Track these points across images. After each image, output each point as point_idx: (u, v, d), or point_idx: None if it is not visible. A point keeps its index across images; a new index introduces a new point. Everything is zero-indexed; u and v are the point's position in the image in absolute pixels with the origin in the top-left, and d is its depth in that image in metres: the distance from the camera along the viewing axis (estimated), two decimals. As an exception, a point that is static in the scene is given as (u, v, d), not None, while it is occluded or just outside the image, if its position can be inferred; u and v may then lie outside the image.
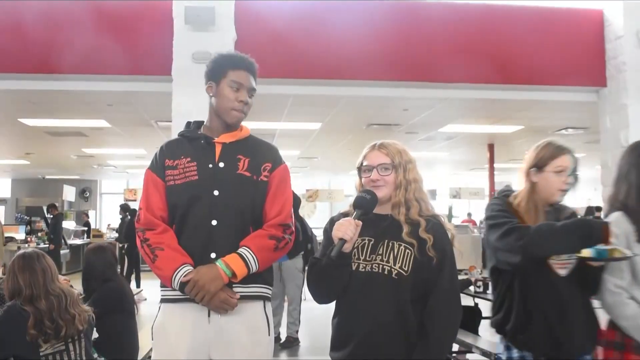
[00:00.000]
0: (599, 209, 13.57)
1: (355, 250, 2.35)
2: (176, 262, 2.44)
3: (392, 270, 2.28)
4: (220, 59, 2.64)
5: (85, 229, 17.96)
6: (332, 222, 2.46)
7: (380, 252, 2.32)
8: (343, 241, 2.25)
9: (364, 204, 2.34)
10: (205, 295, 2.38)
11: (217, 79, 2.60)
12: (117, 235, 14.38)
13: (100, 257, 4.32)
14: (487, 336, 5.96)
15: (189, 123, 2.74)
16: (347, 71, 6.71)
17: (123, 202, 14.87)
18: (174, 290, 2.47)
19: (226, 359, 2.46)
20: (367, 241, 2.36)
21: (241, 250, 2.48)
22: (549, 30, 7.09)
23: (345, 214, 2.44)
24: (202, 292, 2.38)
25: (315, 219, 16.29)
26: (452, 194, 18.89)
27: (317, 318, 8.85)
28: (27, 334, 3.15)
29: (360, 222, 2.30)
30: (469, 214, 21.29)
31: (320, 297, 2.44)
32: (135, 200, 16.89)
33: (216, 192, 2.51)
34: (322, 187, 20.98)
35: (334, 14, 6.75)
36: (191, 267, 2.43)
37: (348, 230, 2.25)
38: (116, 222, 14.81)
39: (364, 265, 2.32)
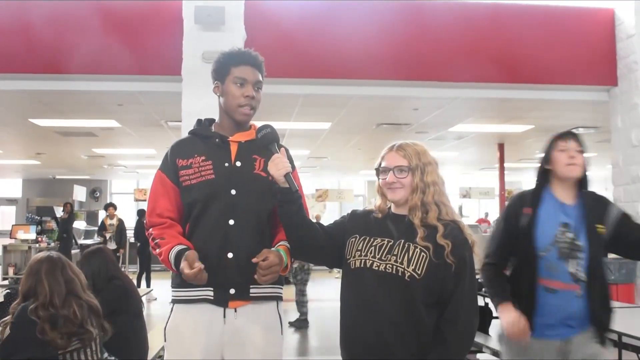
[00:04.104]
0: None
1: (373, 248, 2.34)
2: (172, 244, 2.44)
3: (405, 272, 2.25)
4: (222, 58, 2.62)
5: (95, 228, 17.98)
6: (354, 213, 2.55)
7: (395, 253, 2.30)
8: (289, 173, 2.37)
9: (273, 137, 2.47)
10: (269, 280, 2.42)
11: (222, 77, 2.59)
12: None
13: (102, 257, 4.34)
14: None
15: (199, 120, 2.71)
16: (357, 71, 6.71)
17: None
18: (187, 290, 2.48)
19: (240, 359, 2.46)
20: (385, 242, 2.34)
21: (285, 242, 2.51)
22: (559, 29, 7.07)
23: (370, 211, 2.49)
24: (273, 277, 2.41)
25: (325, 219, 16.28)
26: (462, 193, 18.83)
27: (326, 318, 8.85)
28: (45, 334, 3.15)
29: (284, 150, 2.45)
30: (486, 214, 21.10)
31: (294, 243, 2.49)
32: (145, 200, 16.90)
33: (233, 192, 2.49)
34: (332, 187, 20.98)
35: (343, 13, 6.75)
36: (185, 247, 2.43)
37: (285, 163, 2.38)
38: (127, 222, 14.65)
39: (378, 265, 2.30)
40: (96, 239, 17.21)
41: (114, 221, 13.08)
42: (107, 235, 12.95)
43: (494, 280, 3.09)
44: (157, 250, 2.48)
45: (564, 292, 2.87)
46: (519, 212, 3.00)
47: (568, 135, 3.00)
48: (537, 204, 2.99)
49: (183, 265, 2.34)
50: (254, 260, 2.37)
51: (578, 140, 2.99)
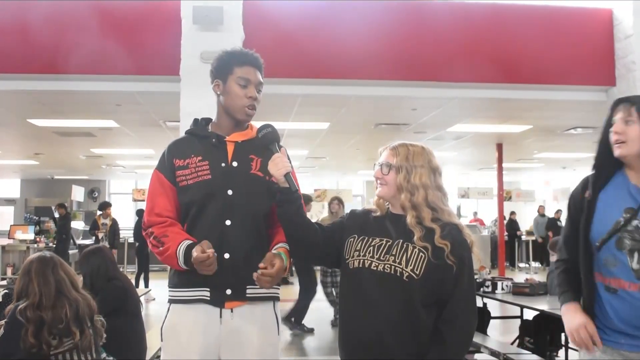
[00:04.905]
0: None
1: (371, 248, 2.34)
2: (179, 239, 2.43)
3: (404, 272, 2.25)
4: (225, 56, 2.61)
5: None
6: (352, 213, 2.54)
7: (393, 253, 2.30)
8: (289, 173, 2.38)
9: (274, 137, 2.47)
10: (272, 285, 2.42)
11: (224, 76, 2.57)
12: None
13: (101, 257, 4.33)
14: (496, 336, 5.95)
15: (196, 120, 2.70)
16: (356, 71, 6.71)
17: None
18: (184, 290, 2.47)
19: (237, 359, 2.46)
20: (384, 242, 2.34)
21: (284, 244, 2.51)
22: (558, 29, 7.07)
23: (369, 211, 2.49)
24: (274, 282, 2.41)
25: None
26: (461, 193, 18.85)
27: (326, 318, 8.85)
28: (26, 341, 3.14)
29: (284, 150, 2.45)
30: (475, 213, 21.28)
31: (294, 243, 2.49)
32: (143, 201, 16.84)
33: (230, 192, 2.49)
34: (331, 187, 20.98)
35: (342, 14, 6.75)
36: (193, 242, 2.41)
37: (285, 163, 2.39)
38: (125, 222, 14.60)
39: (377, 265, 2.30)
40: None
41: (107, 221, 13.04)
42: (100, 235, 12.89)
43: (560, 277, 2.60)
44: (161, 248, 2.45)
45: (626, 292, 2.32)
46: (582, 197, 2.51)
47: (618, 103, 2.50)
48: (601, 186, 2.47)
49: (196, 249, 2.33)
50: (261, 265, 2.37)
51: (629, 106, 2.43)
